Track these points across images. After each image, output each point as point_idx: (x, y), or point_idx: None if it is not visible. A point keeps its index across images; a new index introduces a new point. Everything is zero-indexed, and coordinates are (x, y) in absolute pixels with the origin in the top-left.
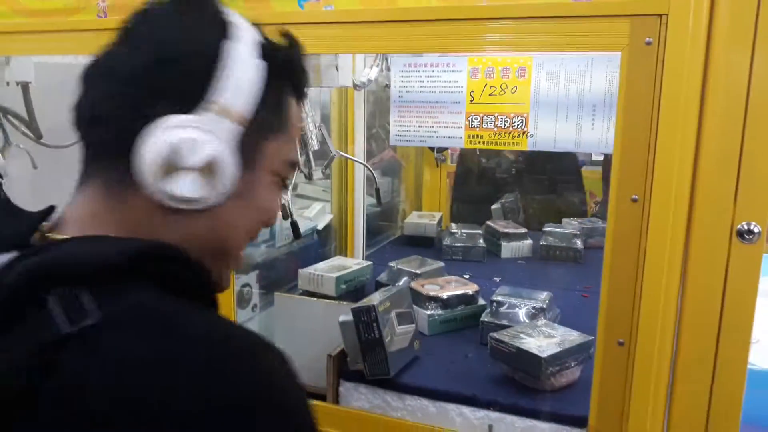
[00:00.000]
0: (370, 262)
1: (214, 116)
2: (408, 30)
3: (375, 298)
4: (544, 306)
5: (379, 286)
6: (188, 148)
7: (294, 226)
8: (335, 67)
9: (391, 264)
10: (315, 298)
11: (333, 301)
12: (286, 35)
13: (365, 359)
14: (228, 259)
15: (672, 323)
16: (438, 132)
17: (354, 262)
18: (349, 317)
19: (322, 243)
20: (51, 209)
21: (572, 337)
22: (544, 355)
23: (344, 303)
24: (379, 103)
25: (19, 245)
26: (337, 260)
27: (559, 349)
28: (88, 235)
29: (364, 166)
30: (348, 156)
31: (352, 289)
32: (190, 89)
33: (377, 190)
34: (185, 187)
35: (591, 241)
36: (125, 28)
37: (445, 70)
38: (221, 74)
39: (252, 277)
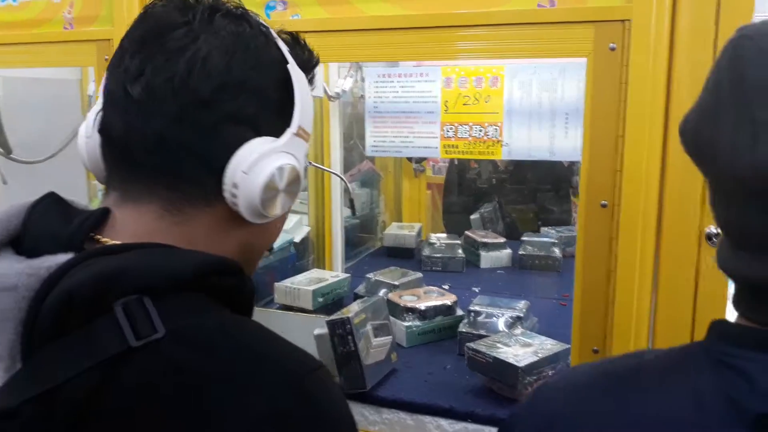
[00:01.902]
0: (348, 275)
1: (296, 139)
2: (377, 39)
3: (350, 310)
4: (522, 315)
5: (357, 298)
6: (285, 172)
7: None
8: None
9: (368, 276)
10: (292, 312)
11: (310, 315)
12: (291, 35)
13: (341, 373)
14: (253, 267)
15: (645, 328)
16: (414, 142)
17: (332, 274)
18: (324, 330)
19: (300, 256)
20: (104, 213)
21: (549, 345)
22: (521, 364)
23: (321, 316)
24: (356, 114)
25: (74, 247)
26: (314, 273)
27: (536, 358)
28: (151, 243)
29: (339, 177)
30: (321, 166)
31: (330, 302)
32: (271, 114)
33: (351, 201)
34: (278, 206)
35: (569, 249)
36: (162, 41)
37: (419, 80)
38: (295, 98)
39: None
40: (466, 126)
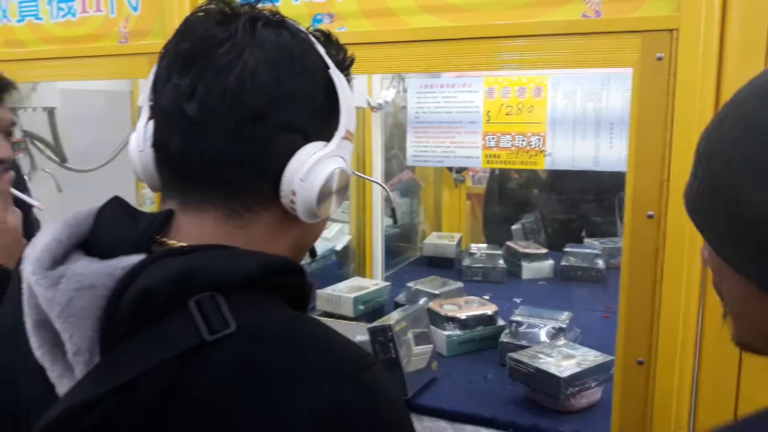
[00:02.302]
0: (388, 283)
1: (343, 141)
2: (421, 50)
3: (391, 318)
4: (564, 326)
5: (397, 306)
6: (338, 175)
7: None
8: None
9: (409, 284)
10: (333, 319)
11: (351, 322)
12: (324, 34)
13: None
14: (300, 261)
15: (692, 340)
16: (455, 152)
17: (372, 282)
18: (366, 337)
19: (341, 264)
20: (168, 217)
21: (592, 356)
22: (564, 375)
23: (362, 323)
24: (397, 125)
25: (143, 248)
26: (355, 281)
27: (578, 369)
28: (216, 245)
29: (381, 185)
30: (363, 176)
31: (371, 310)
32: (319, 120)
33: (393, 210)
34: (332, 207)
35: (613, 261)
36: (209, 58)
37: (461, 90)
38: (340, 103)
39: None
40: (508, 136)
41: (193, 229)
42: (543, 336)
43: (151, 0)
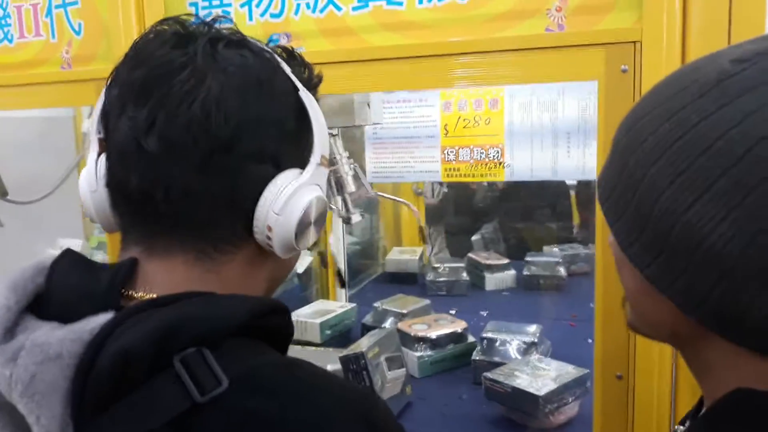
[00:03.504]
0: (354, 305)
1: (318, 168)
2: (382, 68)
3: (362, 344)
4: (535, 340)
5: (365, 328)
6: (314, 205)
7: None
8: (367, 104)
9: (376, 305)
10: (299, 346)
11: (319, 348)
12: (287, 51)
13: None
14: (272, 295)
15: (669, 352)
16: (415, 167)
17: (338, 305)
18: (337, 366)
19: (303, 286)
20: (132, 265)
21: (567, 371)
22: (542, 393)
23: (331, 350)
24: (353, 140)
25: (111, 305)
26: (319, 304)
27: (555, 386)
28: (192, 293)
29: (410, 207)
30: (390, 197)
31: (337, 334)
32: (291, 146)
33: (421, 228)
34: (310, 239)
35: (573, 267)
36: (168, 86)
37: (418, 105)
38: (313, 127)
39: None
40: (467, 149)
41: (162, 278)
42: (515, 352)
43: (94, 22)
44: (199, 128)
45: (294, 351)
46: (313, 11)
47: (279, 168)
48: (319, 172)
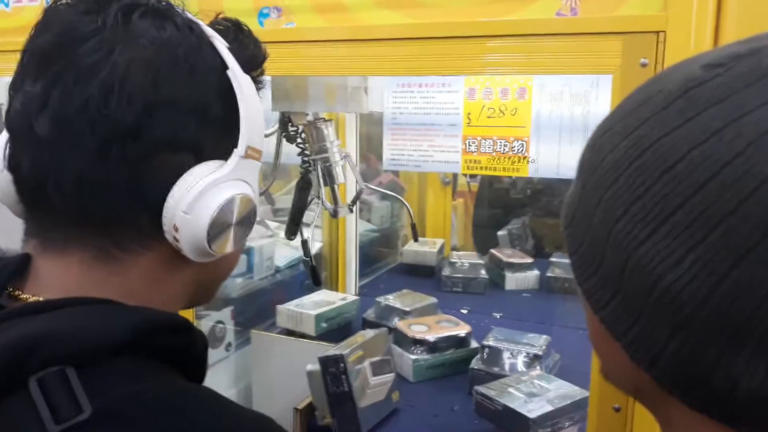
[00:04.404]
0: (356, 298)
1: (244, 161)
2: (381, 50)
3: (347, 345)
4: (541, 353)
5: (366, 323)
6: (235, 204)
7: (313, 270)
8: (364, 89)
9: (378, 299)
10: (293, 338)
11: (313, 342)
12: (232, 24)
13: (334, 414)
14: (212, 296)
15: None
16: (433, 156)
17: (340, 297)
18: (317, 366)
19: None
20: (23, 262)
21: (567, 392)
22: (533, 415)
23: (324, 344)
24: (373, 124)
25: None
26: (322, 294)
27: (550, 408)
28: (84, 299)
29: (402, 202)
30: (382, 190)
31: (335, 328)
32: (215, 133)
33: (413, 226)
34: (230, 243)
35: None
36: (69, 57)
37: (440, 90)
38: (240, 112)
39: (226, 314)
40: (489, 140)
41: (55, 277)
42: (517, 364)
43: None
44: (97, 110)
45: (284, 341)
46: None
47: (200, 158)
48: (246, 165)
